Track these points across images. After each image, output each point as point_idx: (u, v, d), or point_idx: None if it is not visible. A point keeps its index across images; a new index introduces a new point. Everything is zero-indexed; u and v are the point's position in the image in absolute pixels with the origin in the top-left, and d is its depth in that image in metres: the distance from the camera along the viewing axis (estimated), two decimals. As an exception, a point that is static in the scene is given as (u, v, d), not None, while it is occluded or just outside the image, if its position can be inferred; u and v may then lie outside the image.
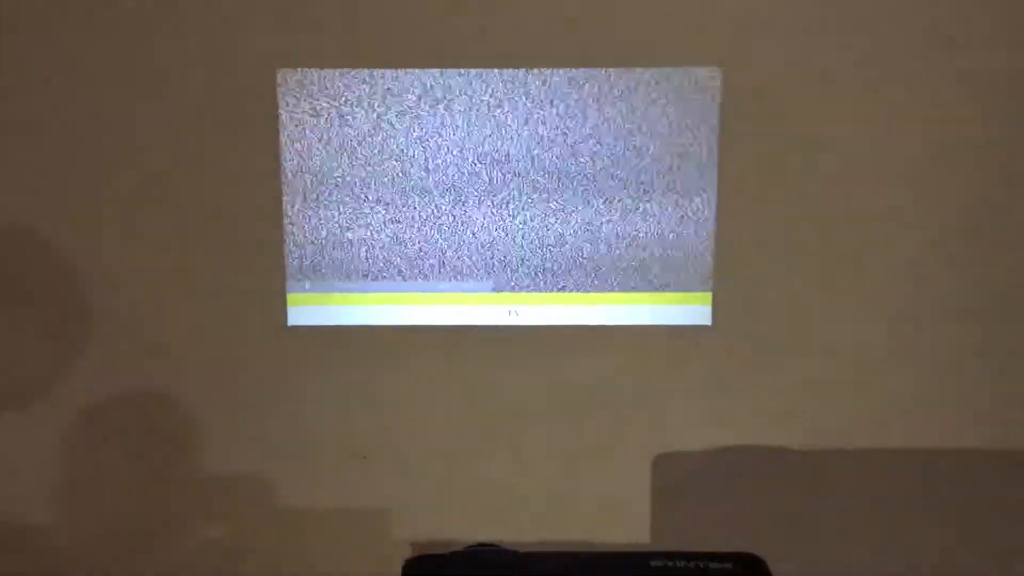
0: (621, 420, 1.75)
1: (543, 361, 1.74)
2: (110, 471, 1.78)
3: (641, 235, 1.71)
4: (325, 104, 1.69)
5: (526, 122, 1.71)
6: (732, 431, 1.73)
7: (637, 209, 1.71)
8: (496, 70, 1.66)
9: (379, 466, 1.69)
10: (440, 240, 1.73)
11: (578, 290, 1.72)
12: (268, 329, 1.72)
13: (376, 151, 1.69)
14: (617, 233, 1.71)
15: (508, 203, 1.72)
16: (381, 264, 1.71)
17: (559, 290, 1.72)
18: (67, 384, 1.72)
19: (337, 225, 1.71)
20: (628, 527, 1.65)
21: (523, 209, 1.72)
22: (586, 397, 1.77)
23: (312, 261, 1.71)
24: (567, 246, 1.71)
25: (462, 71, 1.70)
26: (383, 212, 1.72)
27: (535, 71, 1.66)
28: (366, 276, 1.71)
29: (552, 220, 1.72)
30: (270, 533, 1.76)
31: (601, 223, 1.70)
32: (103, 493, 1.79)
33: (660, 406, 1.76)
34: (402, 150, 1.70)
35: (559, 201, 1.72)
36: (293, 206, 1.70)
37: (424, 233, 1.72)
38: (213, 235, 1.68)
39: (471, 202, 1.73)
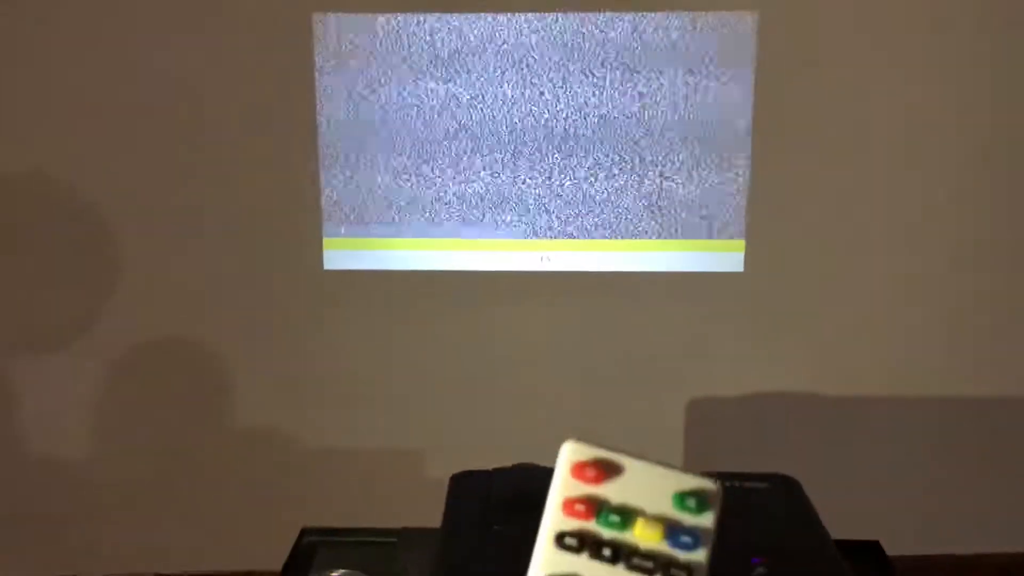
0: (654, 365, 1.76)
1: (576, 306, 1.76)
2: (147, 411, 1.82)
3: (675, 183, 1.72)
4: (360, 49, 1.70)
5: (563, 72, 1.71)
6: (764, 375, 1.74)
7: (671, 158, 1.72)
8: (532, 15, 1.66)
9: (414, 406, 1.72)
10: (474, 186, 1.74)
11: (611, 237, 1.74)
12: (304, 273, 1.74)
13: (410, 98, 1.71)
14: (651, 181, 1.72)
15: (543, 152, 1.73)
16: (416, 210, 1.72)
17: (591, 237, 1.74)
18: (105, 327, 1.75)
19: (373, 171, 1.72)
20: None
21: (558, 158, 1.73)
22: (619, 342, 1.78)
23: (348, 206, 1.73)
24: (600, 193, 1.72)
25: (497, 15, 1.71)
26: (417, 159, 1.73)
27: (571, 15, 1.66)
28: (401, 222, 1.72)
29: (587, 169, 1.72)
30: (305, 472, 1.80)
31: (634, 170, 1.70)
32: (140, 432, 1.82)
33: (693, 352, 1.77)
34: (437, 97, 1.71)
35: (594, 151, 1.73)
36: (329, 152, 1.72)
37: (458, 180, 1.73)
38: (250, 180, 1.69)
39: (507, 150, 1.73)
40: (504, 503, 0.79)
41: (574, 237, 1.72)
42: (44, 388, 1.80)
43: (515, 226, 1.72)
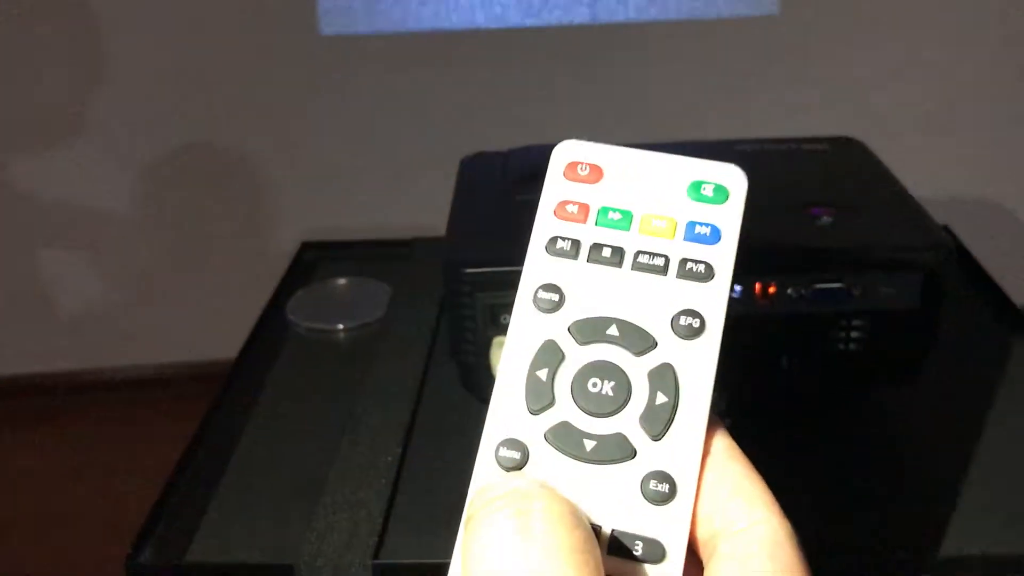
0: (688, 111, 1.65)
1: (609, 56, 1.64)
2: (145, 190, 1.75)
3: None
4: None
5: None
6: (798, 122, 1.62)
7: None
8: None
9: (416, 164, 1.62)
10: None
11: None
12: (300, 37, 1.62)
13: None
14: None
15: None
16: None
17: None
18: (98, 108, 1.66)
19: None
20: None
21: None
22: (655, 89, 1.67)
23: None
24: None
25: None
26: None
27: None
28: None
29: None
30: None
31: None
32: (142, 209, 1.76)
33: (730, 97, 1.66)
34: None
35: None
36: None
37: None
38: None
39: None
40: (524, 177, 0.68)
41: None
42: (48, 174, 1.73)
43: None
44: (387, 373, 0.68)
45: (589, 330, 0.31)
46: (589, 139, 0.35)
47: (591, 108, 1.65)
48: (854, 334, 0.59)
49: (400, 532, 0.55)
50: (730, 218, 0.33)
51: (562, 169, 0.34)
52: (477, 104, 1.65)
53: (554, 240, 0.33)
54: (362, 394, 0.66)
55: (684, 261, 0.32)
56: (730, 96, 1.65)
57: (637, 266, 0.32)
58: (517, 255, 0.60)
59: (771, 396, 0.62)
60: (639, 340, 0.31)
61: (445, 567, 0.54)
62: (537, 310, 0.32)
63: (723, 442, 0.29)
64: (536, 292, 0.32)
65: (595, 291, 0.32)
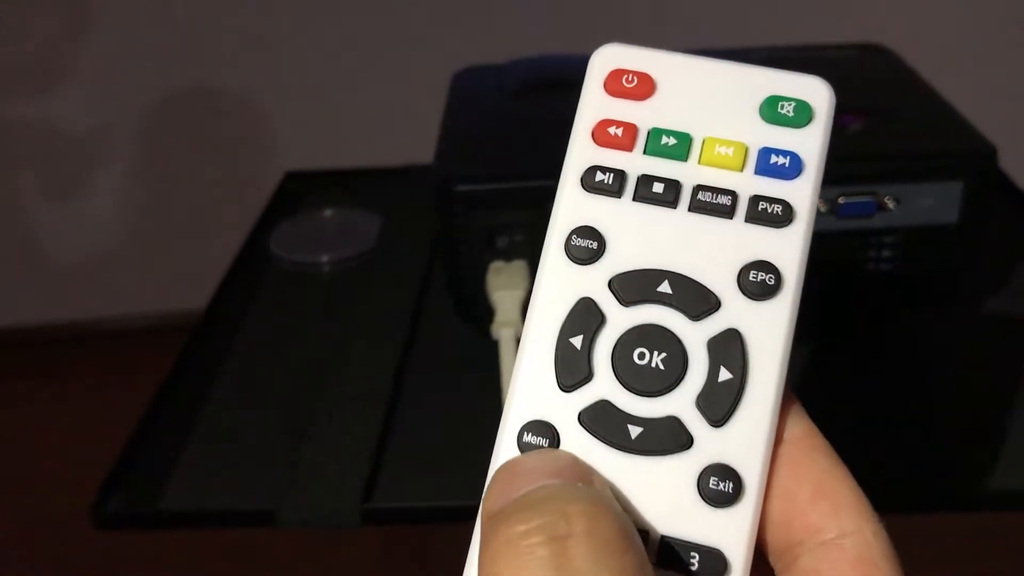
0: (708, 17, 1.56)
1: None
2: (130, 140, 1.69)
3: None
4: None
5: None
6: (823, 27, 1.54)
7: None
8: None
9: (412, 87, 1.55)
10: None
11: None
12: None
13: None
14: None
15: None
16: None
17: None
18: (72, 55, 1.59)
19: None
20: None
21: None
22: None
23: None
24: None
25: None
26: None
27: None
28: None
29: None
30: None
31: None
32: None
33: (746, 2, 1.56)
34: None
35: None
36: None
37: None
38: None
39: None
40: (517, 91, 0.62)
41: None
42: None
43: None
44: (377, 306, 0.63)
45: (635, 287, 0.25)
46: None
47: (589, 19, 1.55)
48: (886, 253, 0.54)
49: (392, 474, 0.50)
50: (814, 145, 0.26)
51: (602, 80, 0.27)
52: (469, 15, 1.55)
53: (592, 171, 0.26)
54: (350, 329, 0.61)
55: (756, 200, 0.25)
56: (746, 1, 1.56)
57: (696, 206, 0.26)
58: (515, 171, 0.55)
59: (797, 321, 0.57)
60: (698, 300, 0.25)
61: (439, 510, 0.50)
62: (570, 260, 0.26)
63: (802, 427, 0.24)
64: (569, 238, 0.26)
65: (643, 237, 0.26)
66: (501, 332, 0.53)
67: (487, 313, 0.53)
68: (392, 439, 0.53)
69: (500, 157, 0.55)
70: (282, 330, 0.64)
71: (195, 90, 1.65)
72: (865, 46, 0.66)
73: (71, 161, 1.69)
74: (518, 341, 0.51)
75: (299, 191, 0.80)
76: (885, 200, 0.52)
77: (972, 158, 0.52)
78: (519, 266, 0.54)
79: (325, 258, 0.70)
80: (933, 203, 0.53)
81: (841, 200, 0.52)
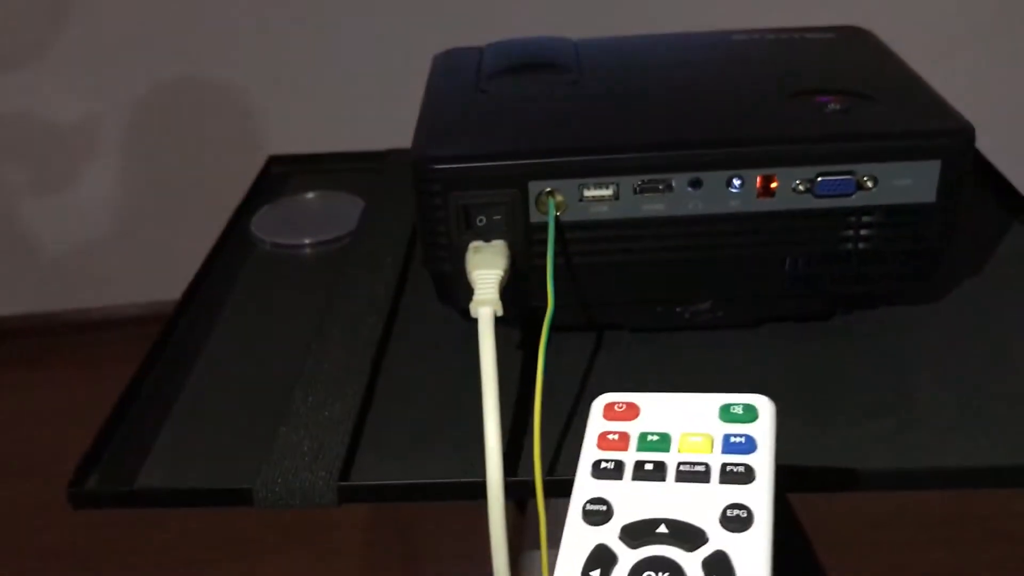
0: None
1: None
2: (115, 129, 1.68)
3: None
4: None
5: None
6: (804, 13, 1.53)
7: None
8: None
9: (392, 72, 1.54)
10: None
11: None
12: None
13: None
14: None
15: None
16: None
17: None
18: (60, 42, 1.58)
19: None
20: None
21: None
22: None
23: None
24: None
25: None
26: None
27: None
28: None
29: None
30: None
31: None
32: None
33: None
34: None
35: None
36: None
37: None
38: None
39: None
40: (497, 72, 0.62)
41: None
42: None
43: None
44: (357, 287, 0.63)
45: (639, 531, 0.33)
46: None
47: (572, 3, 1.55)
48: (864, 232, 0.54)
49: (369, 452, 0.50)
50: (762, 431, 0.36)
51: (601, 412, 0.38)
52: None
53: (598, 463, 0.35)
54: (331, 310, 0.61)
55: (725, 466, 0.34)
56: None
57: (680, 476, 0.34)
58: (494, 150, 0.54)
59: (773, 302, 0.57)
60: (690, 536, 0.32)
61: (416, 488, 0.50)
62: (586, 524, 0.33)
63: None
64: (584, 506, 0.34)
65: (642, 500, 0.34)
66: (480, 311, 0.52)
67: (467, 292, 0.53)
68: (371, 418, 0.53)
69: (478, 137, 0.55)
70: (263, 311, 0.64)
71: (181, 80, 1.65)
72: (845, 28, 0.66)
73: (57, 152, 1.69)
74: (497, 319, 0.51)
75: (282, 174, 0.80)
76: (864, 178, 0.52)
77: (950, 137, 0.52)
78: (498, 245, 0.53)
79: (307, 240, 0.70)
80: (910, 183, 0.53)
81: (820, 179, 0.52)
